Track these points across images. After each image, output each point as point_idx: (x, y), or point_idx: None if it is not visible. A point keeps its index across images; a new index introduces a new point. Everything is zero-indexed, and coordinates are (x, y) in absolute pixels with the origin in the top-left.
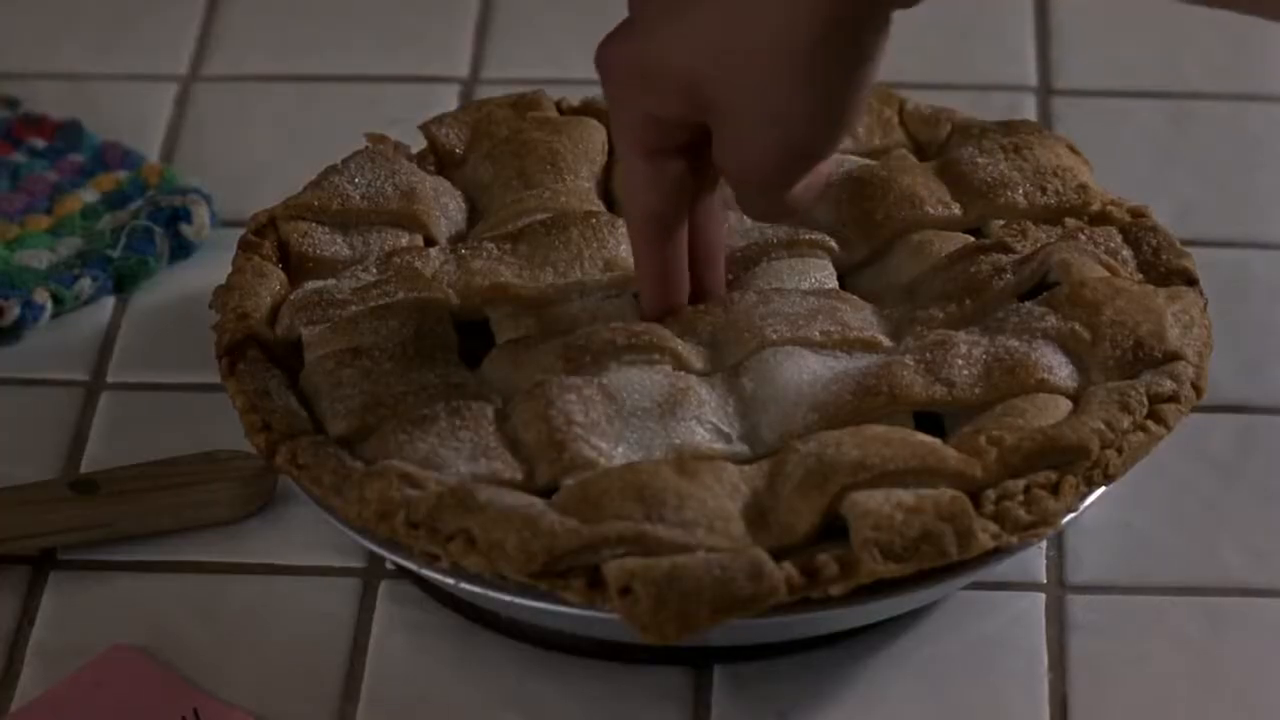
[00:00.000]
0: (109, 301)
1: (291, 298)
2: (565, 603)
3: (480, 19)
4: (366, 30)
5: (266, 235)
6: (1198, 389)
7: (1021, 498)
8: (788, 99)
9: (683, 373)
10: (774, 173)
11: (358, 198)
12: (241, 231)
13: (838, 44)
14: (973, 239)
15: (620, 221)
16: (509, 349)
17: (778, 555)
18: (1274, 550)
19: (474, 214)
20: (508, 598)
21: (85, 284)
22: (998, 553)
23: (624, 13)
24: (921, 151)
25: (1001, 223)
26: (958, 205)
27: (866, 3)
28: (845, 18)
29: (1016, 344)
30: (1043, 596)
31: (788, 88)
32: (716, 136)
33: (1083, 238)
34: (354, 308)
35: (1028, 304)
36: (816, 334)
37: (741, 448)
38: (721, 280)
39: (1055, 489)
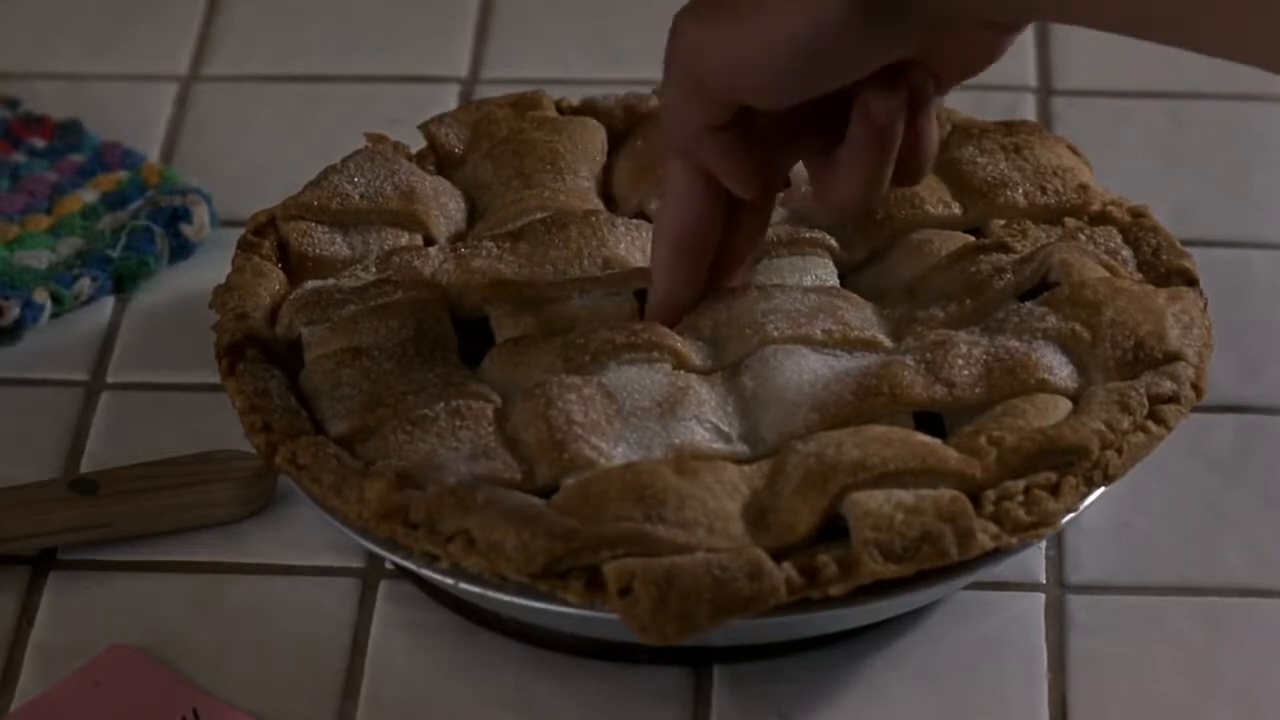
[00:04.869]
0: (109, 301)
1: (291, 297)
2: (565, 603)
3: (480, 19)
4: (366, 30)
5: (266, 235)
6: (1198, 389)
7: (1021, 498)
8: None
9: (682, 372)
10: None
11: (357, 197)
12: (241, 231)
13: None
14: (973, 239)
15: (620, 220)
16: (509, 348)
17: (778, 555)
18: (1274, 550)
19: (474, 214)
20: (508, 598)
21: (85, 284)
22: (998, 553)
23: (622, 14)
24: None
25: (1002, 223)
26: (958, 205)
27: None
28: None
29: (1016, 344)
30: (1042, 596)
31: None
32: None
33: (1083, 238)
34: (354, 307)
35: (1028, 304)
36: (818, 332)
37: (741, 447)
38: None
39: (1055, 489)
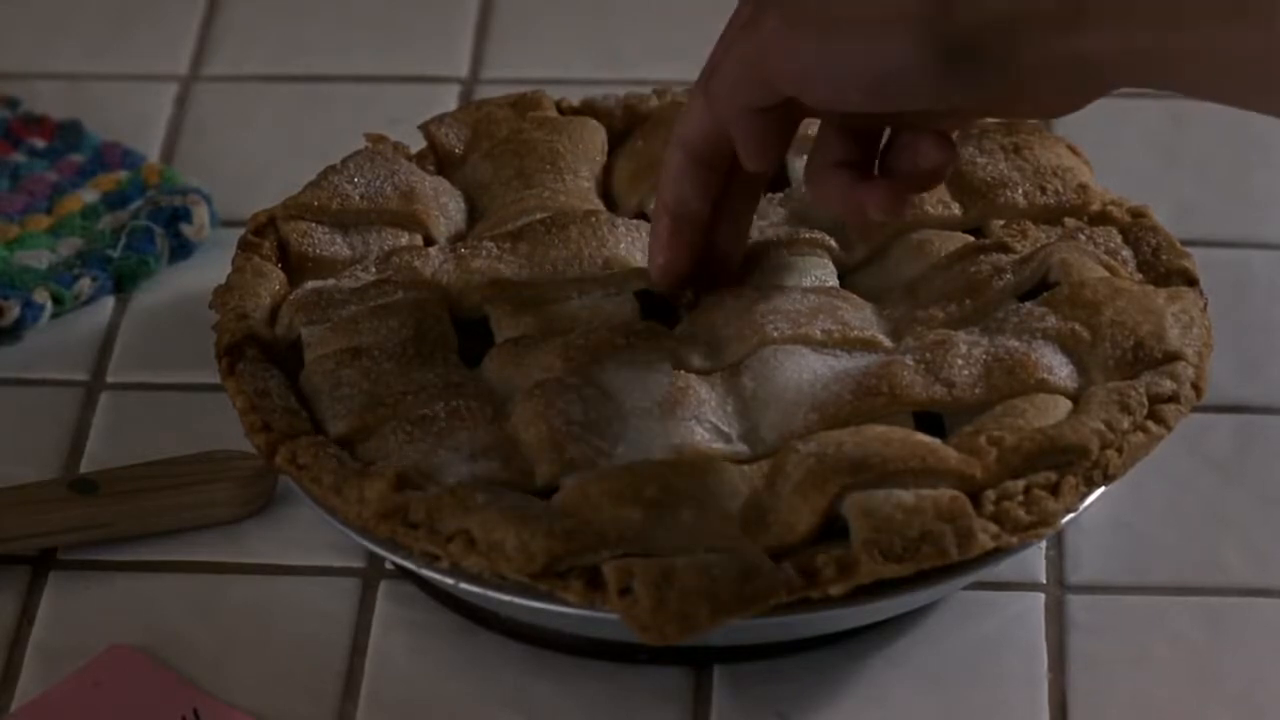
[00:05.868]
0: (109, 301)
1: (291, 297)
2: (565, 603)
3: (480, 19)
4: (366, 30)
5: (266, 235)
6: (1198, 389)
7: (1021, 498)
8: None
9: (682, 372)
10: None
11: (357, 198)
12: (241, 231)
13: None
14: (973, 239)
15: (620, 220)
16: (509, 348)
17: (778, 555)
18: (1274, 550)
19: (474, 214)
20: (507, 598)
21: (85, 284)
22: (998, 553)
23: (622, 14)
24: None
25: (1001, 223)
26: (958, 205)
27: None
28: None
29: (1016, 344)
30: (1042, 596)
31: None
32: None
33: (1083, 238)
34: (354, 308)
35: (1028, 304)
36: (818, 332)
37: (741, 447)
38: (730, 273)
39: (1055, 489)
